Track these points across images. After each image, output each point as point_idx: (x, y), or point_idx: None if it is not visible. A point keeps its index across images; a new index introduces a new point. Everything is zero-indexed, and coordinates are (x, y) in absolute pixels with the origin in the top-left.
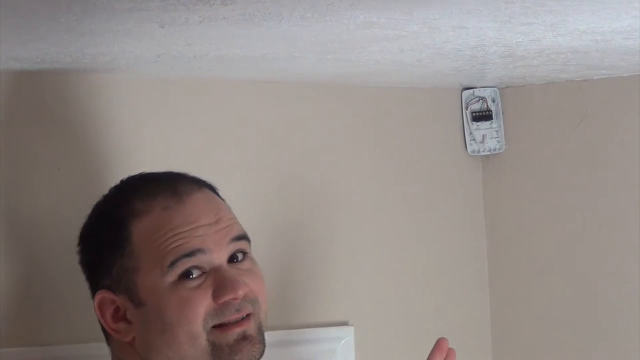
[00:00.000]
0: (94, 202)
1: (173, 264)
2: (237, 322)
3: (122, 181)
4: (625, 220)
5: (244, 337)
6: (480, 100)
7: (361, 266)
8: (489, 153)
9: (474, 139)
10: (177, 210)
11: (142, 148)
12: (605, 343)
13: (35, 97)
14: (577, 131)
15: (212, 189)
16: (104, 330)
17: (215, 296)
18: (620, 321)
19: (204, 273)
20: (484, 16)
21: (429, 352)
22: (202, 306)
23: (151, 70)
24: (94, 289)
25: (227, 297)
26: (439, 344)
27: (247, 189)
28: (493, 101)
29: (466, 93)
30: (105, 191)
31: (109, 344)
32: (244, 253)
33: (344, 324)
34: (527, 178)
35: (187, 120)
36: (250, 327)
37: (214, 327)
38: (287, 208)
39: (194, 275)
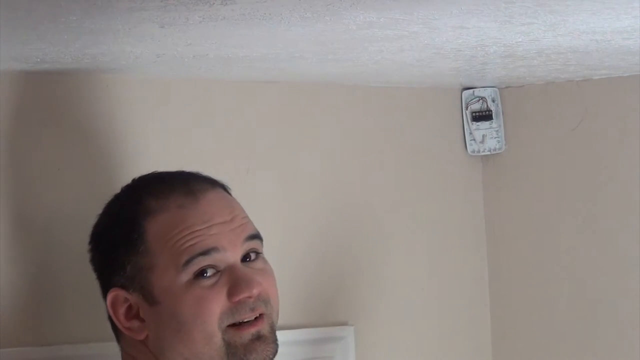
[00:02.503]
0: (94, 202)
1: (188, 262)
2: (251, 322)
3: (134, 180)
4: (625, 219)
5: (258, 337)
6: (480, 100)
7: (361, 266)
8: (489, 153)
9: (474, 139)
10: (192, 208)
11: (142, 148)
12: (604, 343)
13: (35, 97)
14: (577, 131)
15: (225, 188)
16: (114, 328)
17: (230, 294)
18: (620, 321)
19: (218, 272)
20: (484, 16)
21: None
22: (217, 305)
23: (151, 70)
24: (106, 288)
25: (242, 295)
26: None
27: (247, 189)
28: (493, 101)
29: (466, 93)
30: (107, 191)
31: (119, 342)
32: (257, 252)
33: (344, 324)
34: (527, 178)
35: (187, 120)
36: (263, 328)
37: (229, 326)
38: (286, 208)
39: (208, 274)
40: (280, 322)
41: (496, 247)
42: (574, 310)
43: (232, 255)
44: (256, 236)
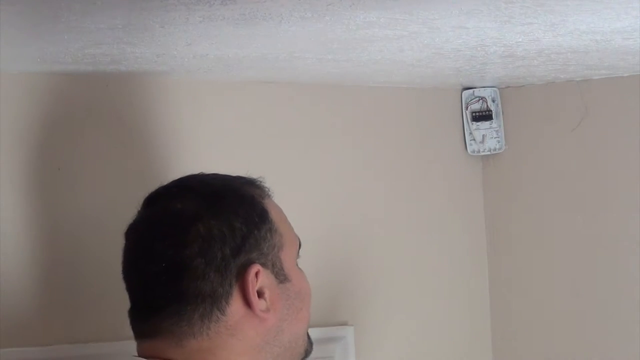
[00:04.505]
0: (96, 203)
1: (300, 245)
2: None
3: (206, 176)
4: (625, 219)
5: None
6: (480, 100)
7: (361, 266)
8: (489, 153)
9: (474, 139)
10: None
11: (142, 147)
12: (605, 342)
13: (34, 97)
14: (577, 131)
15: None
16: (208, 311)
17: None
18: (621, 320)
19: None
20: (484, 16)
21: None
22: None
23: (151, 70)
24: (222, 266)
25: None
26: None
27: None
28: (493, 101)
29: (466, 93)
30: (108, 191)
31: (192, 330)
32: None
33: (344, 324)
34: (527, 178)
35: (187, 120)
36: None
37: None
38: (285, 208)
39: None
40: None
41: (496, 247)
42: (573, 310)
43: None
44: None
